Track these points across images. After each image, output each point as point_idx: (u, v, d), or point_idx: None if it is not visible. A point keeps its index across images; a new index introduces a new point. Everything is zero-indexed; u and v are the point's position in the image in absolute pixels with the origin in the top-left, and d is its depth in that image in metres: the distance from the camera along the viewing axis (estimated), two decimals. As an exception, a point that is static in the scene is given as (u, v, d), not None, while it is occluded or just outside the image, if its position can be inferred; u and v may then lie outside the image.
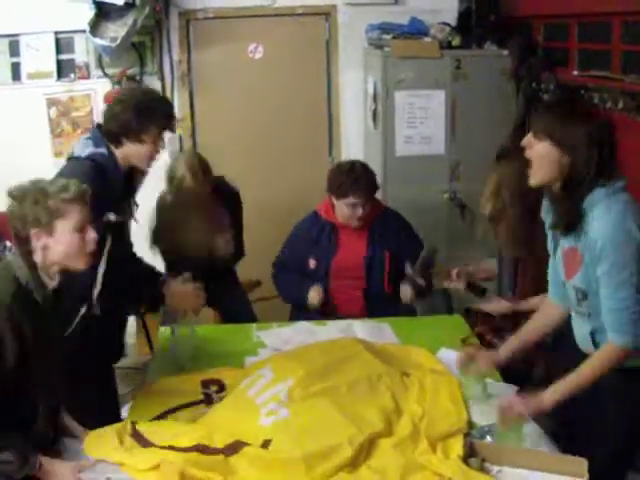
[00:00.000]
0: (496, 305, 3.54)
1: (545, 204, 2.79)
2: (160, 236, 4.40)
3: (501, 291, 3.74)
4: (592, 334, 2.68)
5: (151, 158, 3.26)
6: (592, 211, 2.52)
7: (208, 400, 3.05)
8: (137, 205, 3.44)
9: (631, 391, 2.66)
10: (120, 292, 3.16)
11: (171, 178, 4.23)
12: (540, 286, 3.15)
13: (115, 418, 3.32)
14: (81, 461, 2.51)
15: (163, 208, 4.37)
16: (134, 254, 3.59)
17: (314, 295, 3.99)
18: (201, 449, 2.56)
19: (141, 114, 3.15)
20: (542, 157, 2.58)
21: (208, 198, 4.29)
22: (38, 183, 2.53)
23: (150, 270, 3.54)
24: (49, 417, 2.57)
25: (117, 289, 3.12)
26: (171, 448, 2.55)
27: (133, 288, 3.26)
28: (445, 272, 3.71)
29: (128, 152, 3.19)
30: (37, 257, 2.50)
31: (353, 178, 3.96)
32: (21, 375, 2.40)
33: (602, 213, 2.50)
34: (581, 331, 2.75)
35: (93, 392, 3.20)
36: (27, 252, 2.49)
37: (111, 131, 3.18)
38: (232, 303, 4.57)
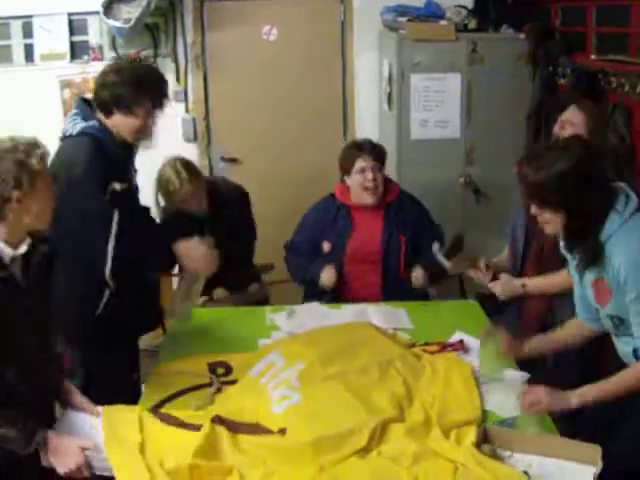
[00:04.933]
0: (505, 285, 3.51)
1: (562, 244, 2.77)
2: None
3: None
4: (635, 351, 2.62)
5: (138, 132, 3.21)
6: (610, 240, 2.50)
7: (214, 383, 3.05)
8: (136, 170, 3.41)
9: None
10: (135, 262, 3.15)
11: (159, 181, 4.19)
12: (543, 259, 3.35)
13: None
14: (87, 440, 2.48)
15: None
16: (150, 218, 3.56)
17: (327, 276, 3.96)
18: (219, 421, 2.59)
19: (138, 87, 3.10)
20: (549, 221, 2.60)
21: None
22: (6, 142, 2.38)
23: (163, 231, 3.52)
24: (40, 395, 2.53)
25: (132, 260, 3.11)
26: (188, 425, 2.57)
27: (148, 255, 3.25)
28: (472, 260, 3.66)
29: (117, 123, 3.14)
30: (7, 221, 2.37)
31: (357, 145, 4.14)
32: None
33: (621, 242, 2.48)
34: (624, 349, 2.70)
35: (123, 366, 3.25)
36: None
37: (102, 99, 3.12)
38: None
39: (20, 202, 2.37)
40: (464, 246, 3.90)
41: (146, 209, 3.54)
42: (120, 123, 3.14)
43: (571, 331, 2.97)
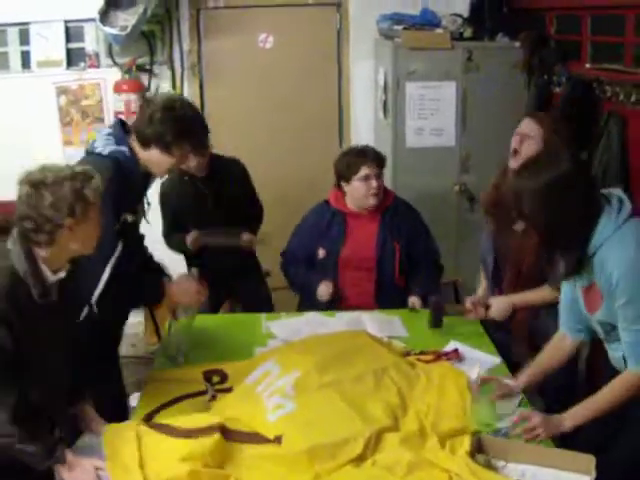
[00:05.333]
0: (499, 307, 3.52)
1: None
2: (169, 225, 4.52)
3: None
4: (625, 358, 2.63)
5: (169, 170, 3.27)
6: (603, 247, 2.49)
7: (209, 391, 3.05)
8: (149, 204, 3.41)
9: None
10: (122, 295, 3.12)
11: None
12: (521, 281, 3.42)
13: (121, 407, 3.33)
14: (100, 461, 2.49)
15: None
16: (145, 250, 3.55)
17: (324, 290, 3.95)
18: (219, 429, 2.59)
19: (181, 130, 3.11)
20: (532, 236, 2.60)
21: None
22: (63, 170, 2.43)
23: (155, 268, 3.52)
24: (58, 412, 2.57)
25: (120, 292, 3.08)
26: (188, 433, 2.56)
27: (135, 290, 3.22)
28: (462, 307, 3.64)
29: (151, 158, 3.15)
30: (55, 246, 2.42)
31: (359, 151, 4.07)
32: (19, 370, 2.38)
33: (614, 248, 2.47)
34: (615, 355, 2.71)
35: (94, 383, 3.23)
36: (34, 243, 2.40)
37: (143, 133, 3.12)
38: (253, 297, 4.67)
39: (71, 230, 2.42)
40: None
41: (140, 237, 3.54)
42: (155, 159, 3.14)
43: (553, 354, 2.94)
